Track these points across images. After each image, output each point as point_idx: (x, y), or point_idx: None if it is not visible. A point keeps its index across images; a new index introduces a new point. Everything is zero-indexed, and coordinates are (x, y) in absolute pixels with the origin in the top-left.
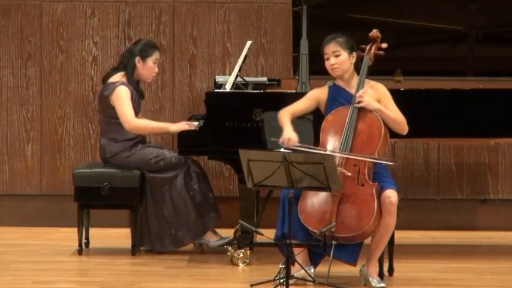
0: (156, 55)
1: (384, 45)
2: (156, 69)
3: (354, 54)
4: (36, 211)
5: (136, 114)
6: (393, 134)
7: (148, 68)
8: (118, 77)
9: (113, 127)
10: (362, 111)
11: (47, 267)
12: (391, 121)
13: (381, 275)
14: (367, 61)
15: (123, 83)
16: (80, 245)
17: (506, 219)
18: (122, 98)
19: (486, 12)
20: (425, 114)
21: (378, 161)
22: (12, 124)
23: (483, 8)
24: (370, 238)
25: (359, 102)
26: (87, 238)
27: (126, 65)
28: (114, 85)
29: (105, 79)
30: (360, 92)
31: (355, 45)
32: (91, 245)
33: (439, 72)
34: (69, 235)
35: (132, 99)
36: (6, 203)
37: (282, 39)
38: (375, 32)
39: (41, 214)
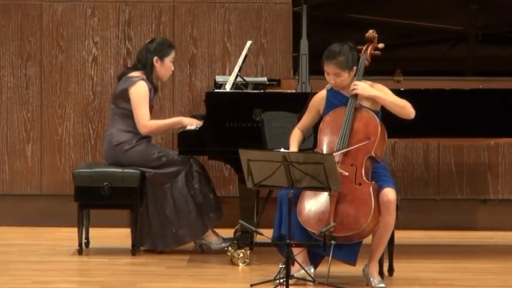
0: (173, 54)
1: (381, 45)
2: (173, 68)
3: (354, 68)
4: (36, 211)
5: (151, 110)
6: (393, 134)
7: (166, 67)
8: (137, 73)
9: (125, 118)
10: (359, 111)
11: (47, 267)
12: (393, 105)
13: (380, 274)
14: (363, 62)
15: (143, 79)
16: (80, 245)
17: (506, 219)
18: (141, 95)
19: (486, 12)
20: (425, 114)
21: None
22: (12, 124)
23: (483, 8)
24: (370, 238)
25: (353, 90)
26: (87, 238)
27: (145, 64)
28: (134, 79)
29: (121, 76)
30: (353, 82)
31: (355, 55)
32: (91, 245)
33: (439, 72)
34: (69, 235)
35: (150, 97)
36: (6, 203)
37: (282, 39)
38: (371, 33)
39: (41, 214)
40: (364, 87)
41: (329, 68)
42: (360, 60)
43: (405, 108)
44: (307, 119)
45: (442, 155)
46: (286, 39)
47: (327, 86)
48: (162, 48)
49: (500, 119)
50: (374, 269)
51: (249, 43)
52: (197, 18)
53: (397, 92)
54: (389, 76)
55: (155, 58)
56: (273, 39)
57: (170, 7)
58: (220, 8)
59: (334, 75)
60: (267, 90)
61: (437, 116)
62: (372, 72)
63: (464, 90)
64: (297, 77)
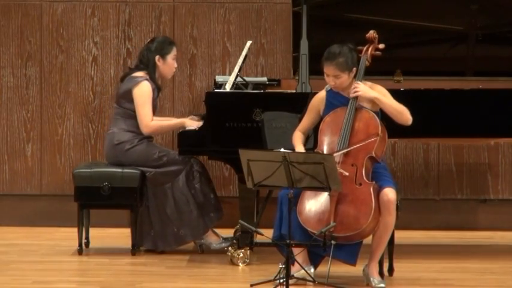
0: (174, 51)
1: (381, 45)
2: (175, 65)
3: (354, 69)
4: (36, 211)
5: (154, 110)
6: (393, 134)
7: (168, 65)
8: (141, 73)
9: (128, 118)
10: (359, 111)
11: (47, 267)
12: (391, 109)
13: (380, 274)
14: (363, 62)
15: (147, 79)
16: (80, 245)
17: (506, 219)
18: (144, 96)
19: (486, 12)
20: (425, 114)
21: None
22: (12, 124)
23: (483, 8)
24: (371, 238)
25: (355, 92)
26: (87, 238)
27: (147, 64)
28: (138, 79)
29: (123, 78)
30: (355, 84)
31: (355, 56)
32: (91, 245)
33: (439, 72)
34: (69, 235)
35: (153, 97)
36: (6, 203)
37: (282, 39)
38: (371, 33)
39: (41, 214)
40: (365, 89)
41: (328, 70)
42: (361, 60)
43: (403, 114)
44: (307, 120)
45: (442, 155)
46: (286, 39)
47: (326, 86)
48: (163, 47)
49: (500, 119)
50: (374, 269)
51: (249, 43)
52: (197, 18)
53: (397, 92)
54: (390, 76)
55: (157, 57)
56: (273, 39)
57: (170, 7)
58: (220, 8)
59: (333, 77)
60: (267, 90)
61: (437, 116)
62: (372, 72)
63: (464, 90)
64: (297, 77)
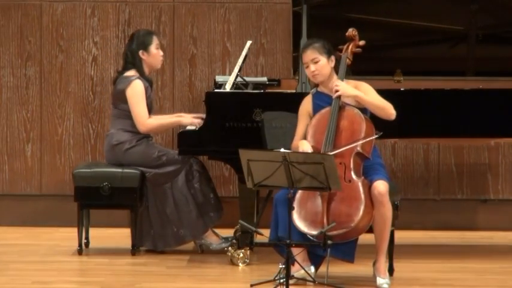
0: (155, 40)
1: (362, 42)
2: (161, 53)
3: (333, 57)
4: (36, 211)
5: (151, 109)
6: (393, 134)
7: (153, 56)
8: (131, 72)
9: (125, 118)
10: (343, 109)
11: (47, 267)
12: (373, 106)
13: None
14: (344, 60)
15: (139, 77)
16: (80, 245)
17: (506, 219)
18: (137, 95)
19: (486, 12)
20: (425, 114)
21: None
22: (12, 124)
23: (483, 8)
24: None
25: (336, 91)
26: (87, 238)
27: (133, 62)
28: (130, 79)
29: (115, 81)
30: (335, 82)
31: (332, 48)
32: (91, 245)
33: (439, 72)
34: (69, 235)
35: (146, 94)
36: (6, 203)
37: (282, 39)
38: (351, 31)
39: (41, 214)
40: (345, 87)
41: (306, 56)
42: (341, 58)
43: (385, 110)
44: (301, 127)
45: (442, 155)
46: (286, 39)
47: (312, 90)
48: (143, 40)
49: (500, 119)
50: (381, 266)
51: (249, 43)
52: (197, 18)
53: (397, 92)
54: (390, 76)
55: (140, 52)
56: (273, 39)
57: (170, 7)
58: (220, 8)
59: (312, 63)
60: (267, 90)
61: (437, 116)
62: (372, 72)
63: (464, 90)
64: (297, 77)
